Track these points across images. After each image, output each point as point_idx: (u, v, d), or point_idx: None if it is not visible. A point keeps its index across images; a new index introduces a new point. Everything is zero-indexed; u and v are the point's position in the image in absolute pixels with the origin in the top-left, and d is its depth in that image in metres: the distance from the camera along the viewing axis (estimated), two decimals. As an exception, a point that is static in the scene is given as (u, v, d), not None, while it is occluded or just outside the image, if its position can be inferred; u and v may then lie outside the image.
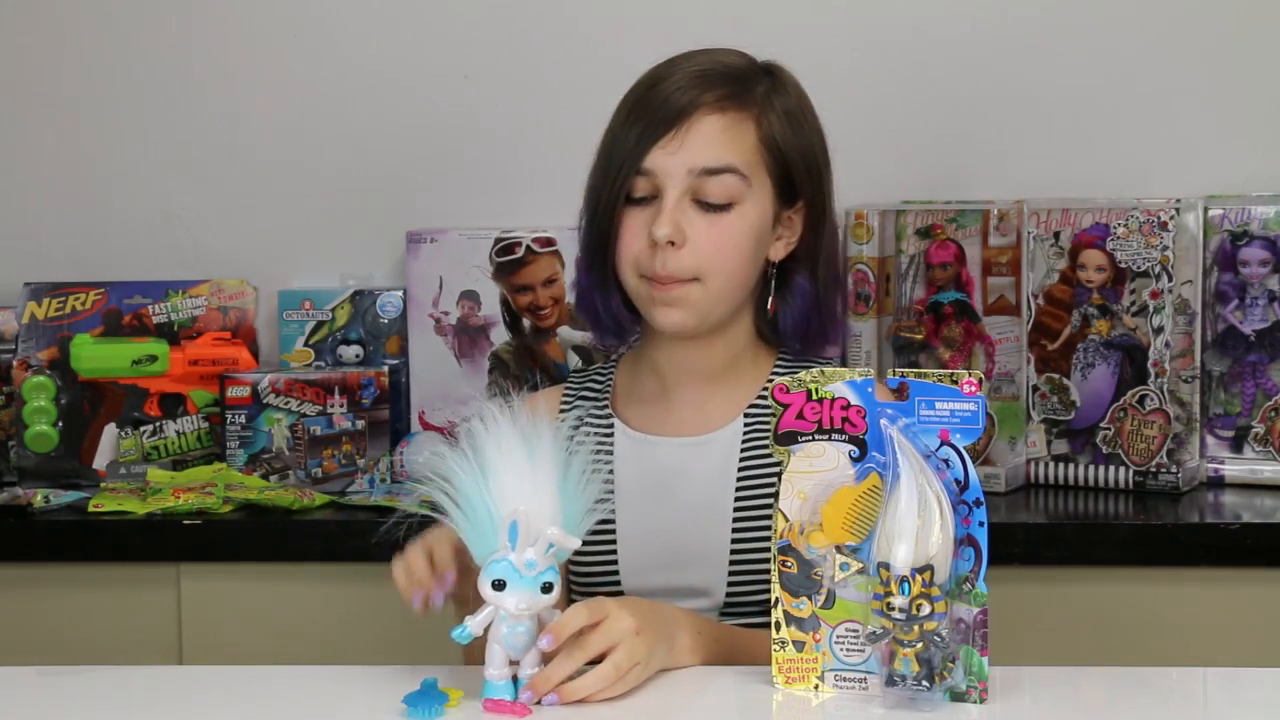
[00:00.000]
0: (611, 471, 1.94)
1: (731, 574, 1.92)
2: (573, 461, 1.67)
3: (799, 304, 1.98)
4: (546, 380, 2.61)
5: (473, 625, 1.65)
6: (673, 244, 1.89)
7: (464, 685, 1.67)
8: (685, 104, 1.90)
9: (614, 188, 1.91)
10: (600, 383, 2.04)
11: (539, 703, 1.64)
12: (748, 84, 1.94)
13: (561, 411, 2.00)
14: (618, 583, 1.94)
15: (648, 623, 1.70)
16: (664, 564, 1.93)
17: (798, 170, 1.94)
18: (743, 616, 1.92)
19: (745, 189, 1.91)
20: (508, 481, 1.64)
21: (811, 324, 1.99)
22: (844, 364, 2.66)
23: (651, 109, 1.91)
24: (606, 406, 2.01)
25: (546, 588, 1.64)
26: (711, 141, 1.90)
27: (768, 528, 1.68)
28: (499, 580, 1.63)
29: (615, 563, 1.93)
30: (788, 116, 1.94)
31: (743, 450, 1.96)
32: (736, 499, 1.94)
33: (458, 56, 2.87)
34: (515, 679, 1.66)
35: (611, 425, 1.99)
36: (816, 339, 2.01)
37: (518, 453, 1.65)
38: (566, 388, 2.05)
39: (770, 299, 1.99)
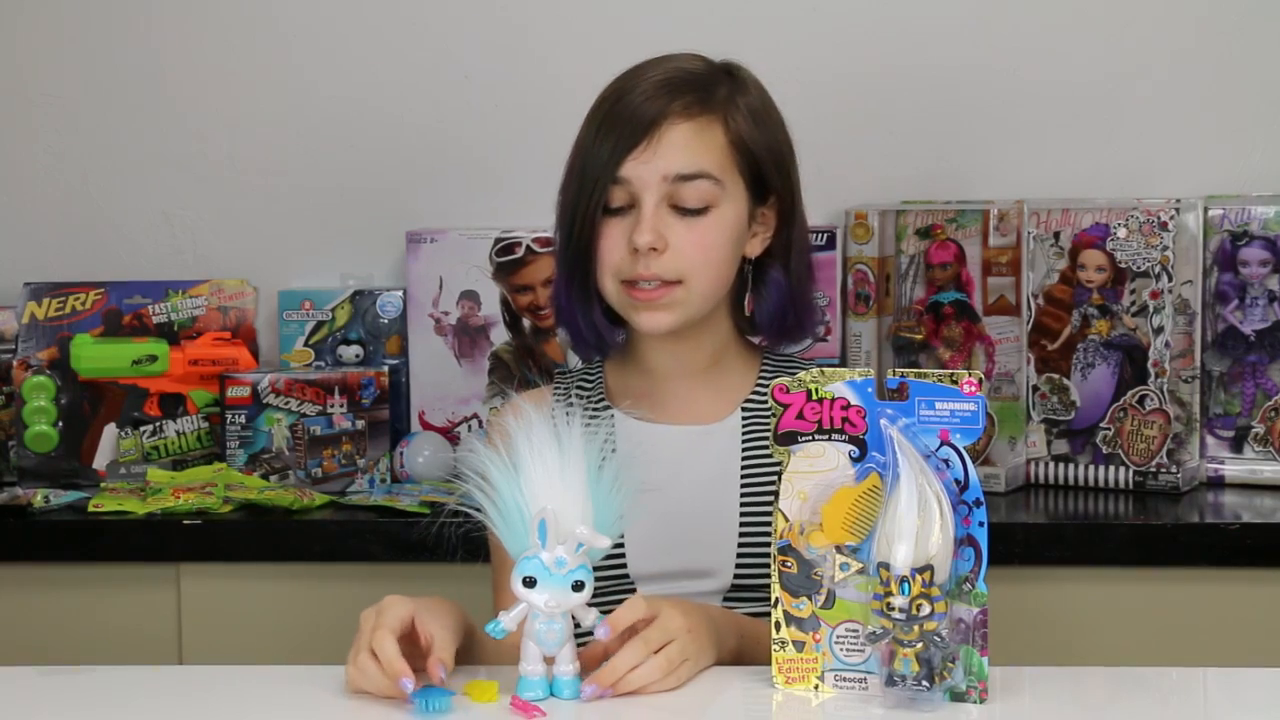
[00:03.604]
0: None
1: (739, 557, 1.95)
2: (606, 461, 1.68)
3: (774, 297, 2.01)
4: (546, 380, 2.61)
5: (506, 621, 1.66)
6: (655, 250, 1.91)
7: (499, 679, 1.68)
8: (654, 114, 1.93)
9: (590, 200, 1.93)
10: (590, 381, 2.06)
11: (602, 696, 1.65)
12: (711, 87, 1.96)
13: (553, 409, 2.00)
14: (624, 566, 1.95)
15: (698, 623, 1.72)
16: (670, 547, 1.95)
17: (767, 167, 1.97)
18: (748, 601, 1.94)
19: (720, 193, 1.94)
20: (537, 479, 1.66)
21: (788, 316, 2.02)
22: (844, 364, 2.66)
23: (621, 121, 1.93)
24: (602, 399, 2.03)
25: (578, 586, 1.65)
26: (683, 148, 1.93)
27: (772, 517, 1.69)
28: (529, 577, 1.64)
29: (622, 546, 1.94)
30: (753, 115, 1.97)
31: (744, 439, 1.98)
32: (743, 485, 1.97)
33: (458, 56, 2.87)
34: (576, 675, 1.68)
35: (610, 416, 2.01)
36: (794, 330, 2.04)
37: (549, 450, 1.66)
38: (555, 388, 2.07)
39: (747, 296, 2.01)
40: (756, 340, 2.07)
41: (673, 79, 1.95)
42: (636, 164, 1.92)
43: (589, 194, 1.93)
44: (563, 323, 2.03)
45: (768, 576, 1.69)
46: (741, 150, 1.96)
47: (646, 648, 1.67)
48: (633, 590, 1.94)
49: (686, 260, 1.92)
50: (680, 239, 1.92)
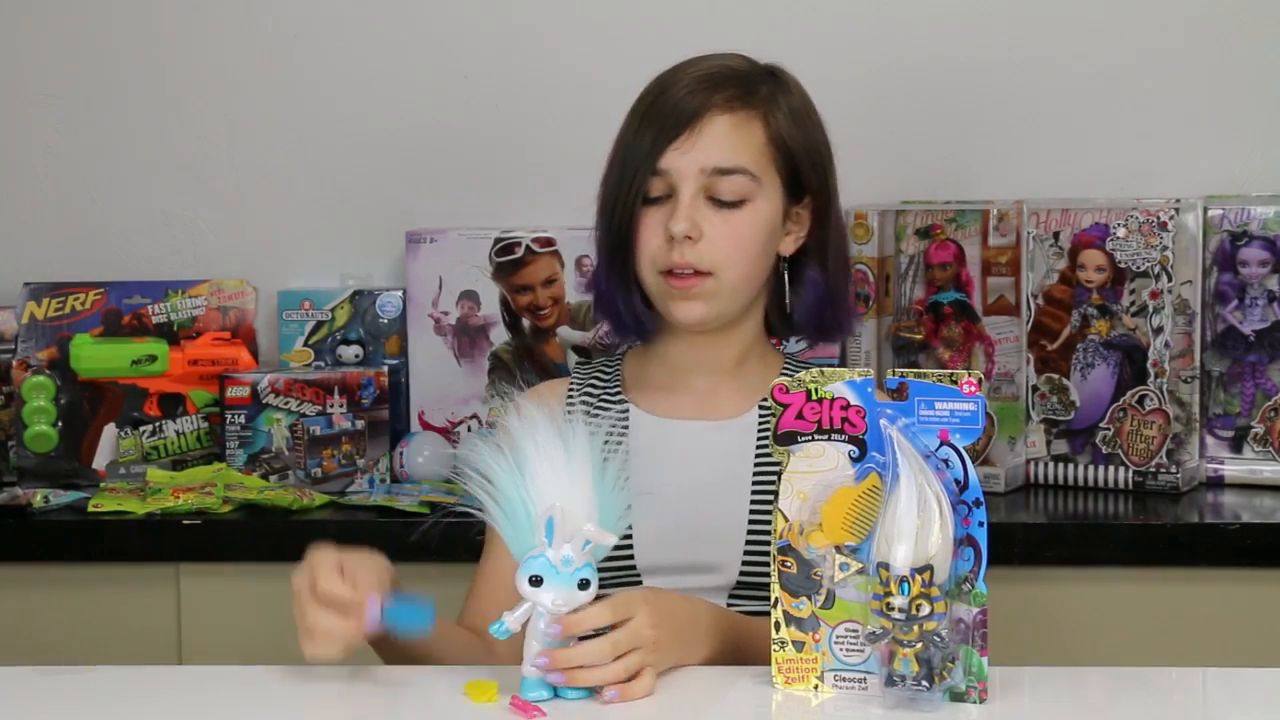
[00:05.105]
0: (627, 451, 1.96)
1: (747, 554, 1.95)
2: (609, 458, 1.69)
3: (811, 296, 2.04)
4: (545, 379, 2.61)
5: (510, 621, 1.66)
6: (690, 239, 1.95)
7: (499, 679, 1.68)
8: (696, 106, 1.96)
9: (631, 190, 1.97)
10: (608, 373, 2.09)
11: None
12: (753, 85, 2.00)
13: (569, 400, 2.04)
14: (631, 558, 1.96)
15: (667, 633, 1.72)
16: (678, 541, 1.96)
17: (804, 167, 2.01)
18: (753, 599, 1.94)
19: (756, 188, 1.97)
20: (544, 478, 1.67)
21: (825, 313, 2.05)
22: (844, 364, 2.66)
23: (663, 113, 1.97)
24: (619, 393, 2.05)
25: (583, 584, 1.65)
26: (722, 141, 1.96)
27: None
28: (536, 576, 1.64)
29: (630, 538, 1.95)
30: (793, 115, 2.00)
31: (759, 438, 2.00)
32: (754, 482, 1.98)
33: (458, 56, 2.87)
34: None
35: (626, 409, 2.03)
36: (831, 328, 2.07)
37: (554, 449, 1.67)
38: (572, 380, 2.10)
39: (787, 294, 2.04)
40: (781, 346, 2.09)
41: (715, 74, 1.99)
42: (676, 155, 1.95)
43: (629, 184, 1.97)
44: (602, 309, 2.06)
45: (773, 575, 1.69)
46: (780, 148, 1.99)
47: (612, 650, 1.67)
48: (638, 583, 1.94)
49: (719, 251, 1.95)
50: (715, 230, 1.95)
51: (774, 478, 1.94)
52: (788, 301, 2.04)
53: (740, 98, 1.97)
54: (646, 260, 1.98)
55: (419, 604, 1.66)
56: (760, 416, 2.01)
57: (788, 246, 2.03)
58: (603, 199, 2.01)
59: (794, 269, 2.04)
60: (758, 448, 1.99)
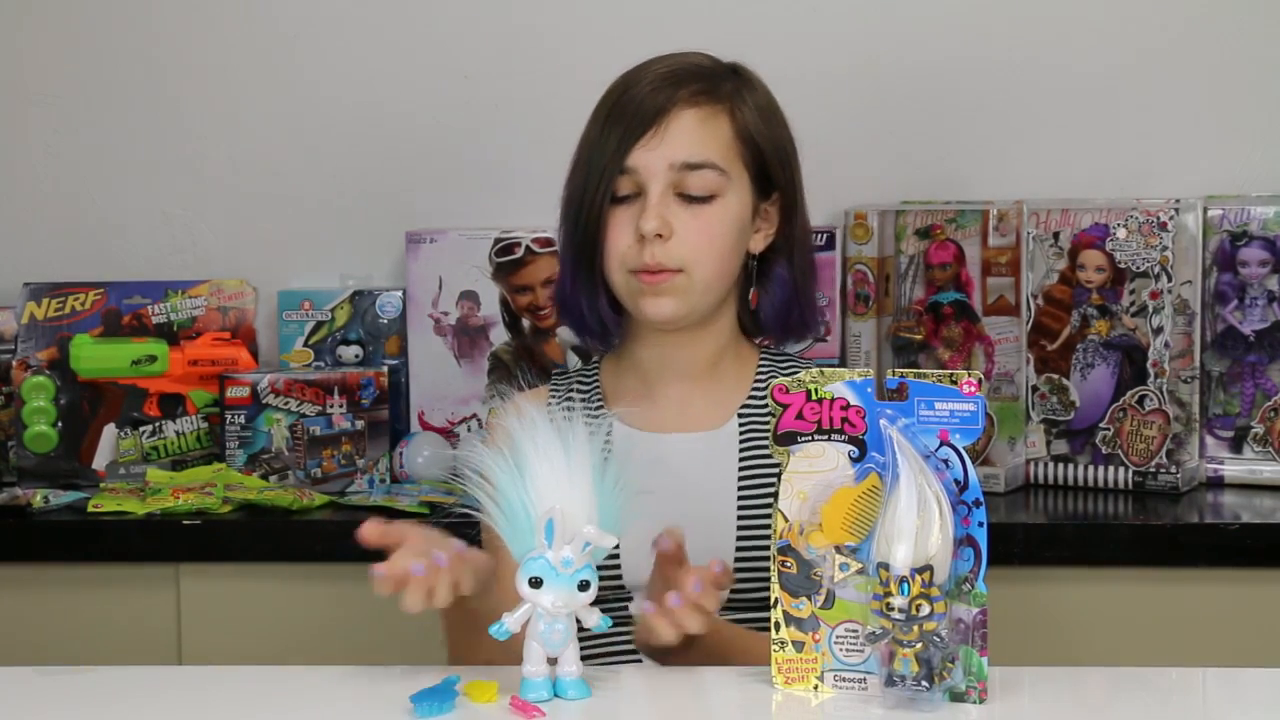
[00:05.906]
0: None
1: (736, 569, 1.93)
2: (608, 460, 1.68)
3: (779, 294, 2.03)
4: (544, 380, 2.61)
5: (510, 622, 1.66)
6: (660, 236, 1.93)
7: (499, 679, 1.68)
8: (662, 102, 1.95)
9: (599, 189, 1.95)
10: (586, 383, 2.07)
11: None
12: (718, 80, 1.99)
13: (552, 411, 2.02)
14: (619, 575, 1.95)
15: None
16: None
17: (772, 162, 2.00)
18: (742, 611, 1.93)
19: (725, 183, 1.96)
20: (544, 479, 1.66)
21: (792, 313, 2.04)
22: (843, 364, 2.66)
23: (628, 111, 1.95)
24: (600, 405, 2.03)
25: (583, 585, 1.65)
26: (689, 136, 1.95)
27: (769, 525, 1.69)
28: (535, 578, 1.64)
29: (617, 554, 1.94)
30: (759, 110, 2.00)
31: (742, 448, 1.98)
32: (740, 496, 1.97)
33: (458, 57, 2.87)
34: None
35: (609, 421, 2.00)
36: (797, 327, 2.05)
37: (554, 450, 1.66)
38: (552, 389, 2.08)
39: (752, 290, 2.03)
40: (758, 341, 2.08)
41: (679, 71, 1.98)
42: (644, 152, 1.94)
43: (596, 184, 1.95)
44: (566, 314, 2.04)
45: (763, 589, 1.69)
46: (747, 143, 1.97)
47: (715, 604, 1.71)
48: (629, 599, 1.93)
49: (690, 248, 1.94)
50: (685, 226, 1.94)
51: (759, 491, 1.95)
52: (751, 300, 2.03)
53: (706, 92, 1.96)
54: (616, 261, 1.96)
55: (442, 695, 1.66)
56: (741, 426, 1.99)
57: (757, 244, 2.01)
58: (567, 201, 2.00)
59: (761, 267, 2.03)
60: (740, 460, 1.98)
